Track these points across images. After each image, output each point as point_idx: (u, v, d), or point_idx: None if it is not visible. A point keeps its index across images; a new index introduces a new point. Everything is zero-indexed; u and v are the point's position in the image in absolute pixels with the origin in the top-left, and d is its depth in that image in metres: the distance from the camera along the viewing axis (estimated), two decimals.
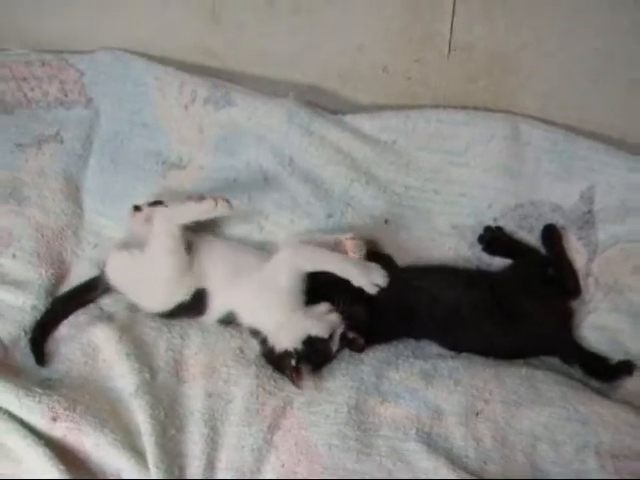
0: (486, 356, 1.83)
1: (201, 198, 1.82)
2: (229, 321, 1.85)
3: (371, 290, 1.77)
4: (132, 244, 1.87)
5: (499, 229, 1.96)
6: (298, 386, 1.72)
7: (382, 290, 1.78)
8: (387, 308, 1.81)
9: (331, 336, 1.76)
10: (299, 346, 1.74)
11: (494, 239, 1.96)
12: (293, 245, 1.86)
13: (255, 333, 1.82)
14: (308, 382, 1.72)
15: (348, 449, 1.62)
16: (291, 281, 1.79)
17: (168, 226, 1.80)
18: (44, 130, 2.11)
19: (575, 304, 1.90)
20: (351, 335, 1.78)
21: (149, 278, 1.83)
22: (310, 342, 1.74)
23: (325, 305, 1.79)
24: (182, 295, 1.83)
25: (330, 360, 1.78)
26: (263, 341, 1.80)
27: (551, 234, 1.94)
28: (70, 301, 1.92)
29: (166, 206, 1.88)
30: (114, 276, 1.88)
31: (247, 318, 1.83)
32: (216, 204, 1.78)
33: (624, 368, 1.76)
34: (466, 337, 1.85)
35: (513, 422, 1.66)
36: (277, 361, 1.76)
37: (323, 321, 1.76)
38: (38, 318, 1.87)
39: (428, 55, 1.92)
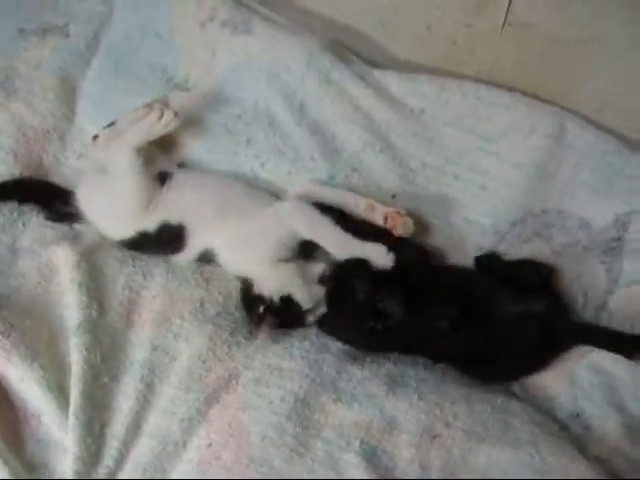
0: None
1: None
2: (205, 260, 1.71)
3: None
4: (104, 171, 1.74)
5: (492, 257, 1.75)
6: (253, 333, 1.62)
7: None
8: None
9: (312, 309, 1.63)
10: (275, 298, 1.62)
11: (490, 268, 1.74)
12: (297, 204, 1.69)
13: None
14: (264, 334, 1.61)
15: (282, 445, 1.47)
16: (280, 239, 1.66)
17: (120, 146, 1.68)
18: (52, 19, 1.93)
19: None
20: None
21: (110, 201, 1.71)
22: (288, 302, 1.62)
23: (321, 266, 1.66)
24: (143, 223, 1.69)
25: (300, 326, 1.66)
26: (244, 281, 1.68)
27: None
28: (36, 187, 1.82)
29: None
30: (82, 198, 1.74)
31: (227, 263, 1.70)
32: (161, 116, 1.66)
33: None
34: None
35: (469, 456, 1.47)
36: (248, 301, 1.65)
37: (312, 291, 1.63)
38: None
39: (480, 23, 1.69)
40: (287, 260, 1.68)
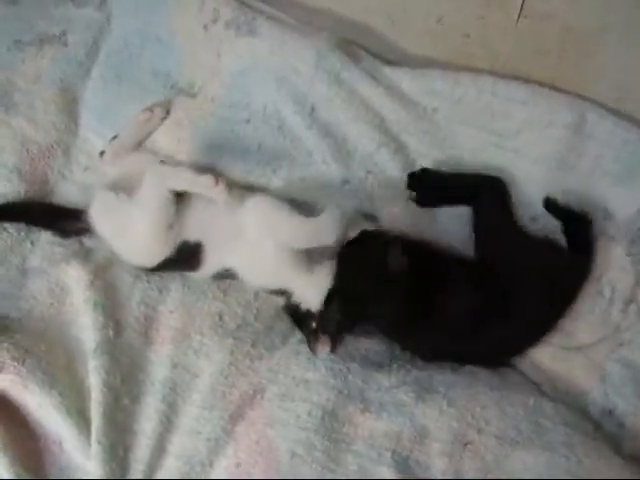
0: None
1: (201, 171, 1.55)
2: (227, 278, 1.64)
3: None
4: (117, 186, 1.61)
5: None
6: (314, 351, 1.53)
7: None
8: None
9: None
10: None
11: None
12: (257, 201, 1.57)
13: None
14: (327, 346, 1.52)
15: (312, 461, 1.44)
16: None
17: (159, 186, 1.54)
18: (48, 28, 1.85)
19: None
20: None
21: (132, 230, 1.57)
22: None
23: None
24: (166, 252, 1.58)
25: None
26: (286, 295, 1.60)
27: None
28: (44, 211, 1.76)
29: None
30: (98, 219, 1.61)
31: (253, 281, 1.62)
32: (216, 184, 1.51)
33: None
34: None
35: (504, 463, 1.44)
36: (297, 317, 1.59)
37: None
38: None
39: (494, 15, 1.60)
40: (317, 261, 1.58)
